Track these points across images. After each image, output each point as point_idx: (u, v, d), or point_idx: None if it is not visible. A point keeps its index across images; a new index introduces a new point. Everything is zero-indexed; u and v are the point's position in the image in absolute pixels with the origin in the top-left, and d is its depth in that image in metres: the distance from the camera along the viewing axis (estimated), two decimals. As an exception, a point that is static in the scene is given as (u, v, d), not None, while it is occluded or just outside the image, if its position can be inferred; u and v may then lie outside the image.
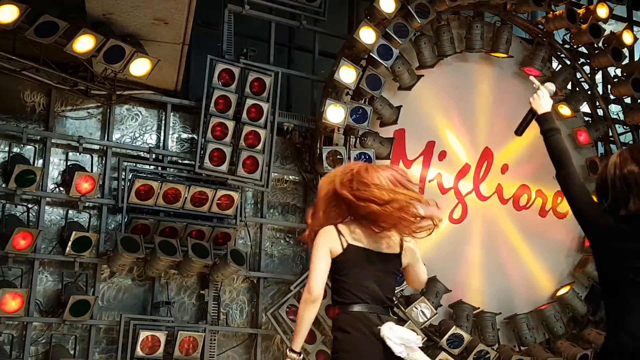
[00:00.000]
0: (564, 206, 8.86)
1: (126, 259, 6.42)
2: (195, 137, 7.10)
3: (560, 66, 9.08)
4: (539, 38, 8.89)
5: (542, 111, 3.74)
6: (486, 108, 8.54)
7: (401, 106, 7.81)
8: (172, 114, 7.18)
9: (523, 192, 8.67)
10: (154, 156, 6.99)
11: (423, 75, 8.02)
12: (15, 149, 6.54)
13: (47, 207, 6.56)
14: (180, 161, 7.15)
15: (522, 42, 8.97)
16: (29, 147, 6.59)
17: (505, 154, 8.57)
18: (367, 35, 7.40)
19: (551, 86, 3.89)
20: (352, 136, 7.48)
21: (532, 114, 3.86)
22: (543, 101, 3.78)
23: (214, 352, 6.88)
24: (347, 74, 7.32)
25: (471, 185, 8.33)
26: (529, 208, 8.69)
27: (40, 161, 6.61)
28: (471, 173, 8.34)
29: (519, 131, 4.00)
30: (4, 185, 6.36)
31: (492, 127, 8.50)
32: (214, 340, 6.92)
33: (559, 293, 8.58)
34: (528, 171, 8.63)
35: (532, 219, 8.70)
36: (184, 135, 7.28)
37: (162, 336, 6.43)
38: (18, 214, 6.45)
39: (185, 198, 6.70)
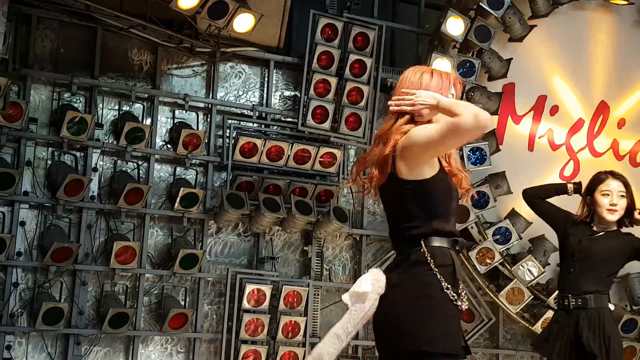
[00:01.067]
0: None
1: (232, 215, 6.54)
2: (298, 94, 7.07)
3: (687, 12, 8.46)
4: (664, -18, 8.29)
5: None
6: (603, 59, 8.07)
7: (511, 59, 7.51)
8: (274, 71, 7.14)
9: (641, 147, 8.25)
10: (257, 114, 7.01)
11: (536, 26, 7.66)
12: (125, 107, 6.69)
13: (155, 164, 6.73)
14: (283, 119, 7.15)
15: (645, -13, 8.39)
16: (137, 105, 6.73)
17: (622, 108, 8.14)
18: (476, -16, 7.11)
19: None
20: (459, 91, 7.27)
21: None
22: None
23: (317, 306, 6.98)
24: (454, 26, 7.07)
25: (585, 141, 7.96)
26: (646, 164, 8.27)
27: (149, 119, 6.75)
28: (585, 128, 7.97)
29: None
30: (115, 142, 6.56)
31: (609, 79, 8.05)
32: (318, 294, 7.01)
33: (677, 252, 8.18)
34: (647, 126, 8.20)
35: (650, 176, 8.27)
36: (287, 93, 7.26)
37: (267, 290, 6.56)
38: (129, 171, 6.65)
39: (289, 156, 6.73)
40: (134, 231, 6.60)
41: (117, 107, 6.66)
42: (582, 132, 7.97)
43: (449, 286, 3.00)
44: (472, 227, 7.24)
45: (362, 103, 6.95)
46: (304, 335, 6.62)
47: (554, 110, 7.83)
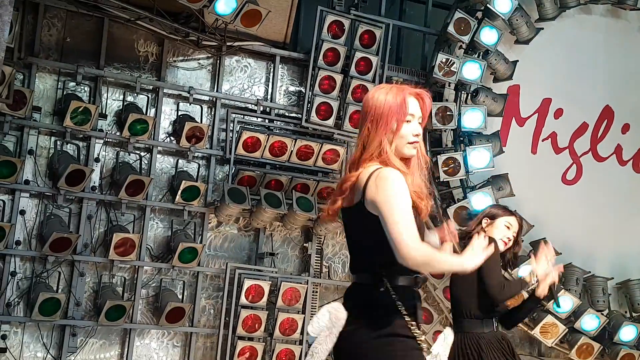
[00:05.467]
0: (689, 169, 8.39)
1: (232, 209, 6.52)
2: (303, 90, 7.05)
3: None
4: (670, -11, 8.29)
5: None
6: (609, 64, 8.08)
7: (517, 61, 7.49)
8: (280, 66, 7.13)
9: (645, 153, 8.23)
10: (261, 109, 6.99)
11: (542, 28, 7.67)
12: (129, 98, 6.67)
13: (158, 156, 6.70)
14: (287, 114, 7.12)
15: (652, -7, 8.39)
16: (142, 96, 6.71)
17: (627, 113, 8.13)
18: (484, -15, 7.09)
19: None
20: (463, 92, 7.24)
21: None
22: None
23: (315, 303, 6.94)
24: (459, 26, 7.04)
25: (588, 145, 7.97)
26: (650, 170, 8.27)
27: (153, 110, 6.73)
28: (589, 132, 7.97)
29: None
30: (118, 133, 6.53)
31: (614, 84, 8.07)
32: (316, 292, 6.98)
33: (677, 259, 8.17)
34: (651, 131, 8.19)
35: (653, 182, 8.26)
36: (292, 88, 7.24)
37: (265, 285, 6.53)
38: (131, 162, 6.63)
39: (291, 151, 6.72)
40: (134, 223, 6.57)
41: (121, 98, 6.64)
42: (586, 136, 7.97)
43: (413, 323, 2.93)
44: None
45: (367, 101, 6.91)
46: (302, 333, 6.58)
47: (558, 113, 7.83)
